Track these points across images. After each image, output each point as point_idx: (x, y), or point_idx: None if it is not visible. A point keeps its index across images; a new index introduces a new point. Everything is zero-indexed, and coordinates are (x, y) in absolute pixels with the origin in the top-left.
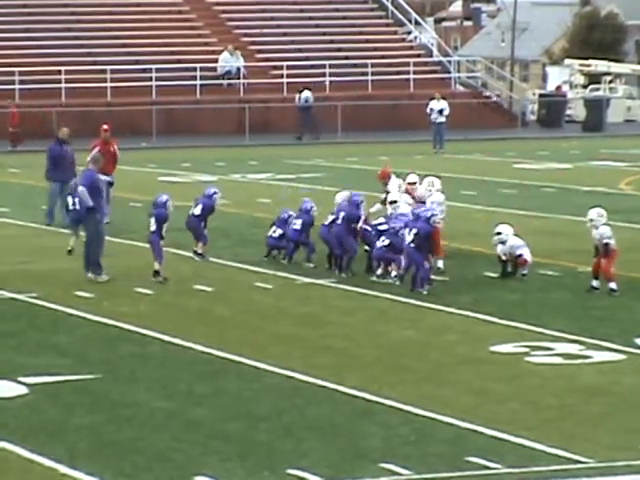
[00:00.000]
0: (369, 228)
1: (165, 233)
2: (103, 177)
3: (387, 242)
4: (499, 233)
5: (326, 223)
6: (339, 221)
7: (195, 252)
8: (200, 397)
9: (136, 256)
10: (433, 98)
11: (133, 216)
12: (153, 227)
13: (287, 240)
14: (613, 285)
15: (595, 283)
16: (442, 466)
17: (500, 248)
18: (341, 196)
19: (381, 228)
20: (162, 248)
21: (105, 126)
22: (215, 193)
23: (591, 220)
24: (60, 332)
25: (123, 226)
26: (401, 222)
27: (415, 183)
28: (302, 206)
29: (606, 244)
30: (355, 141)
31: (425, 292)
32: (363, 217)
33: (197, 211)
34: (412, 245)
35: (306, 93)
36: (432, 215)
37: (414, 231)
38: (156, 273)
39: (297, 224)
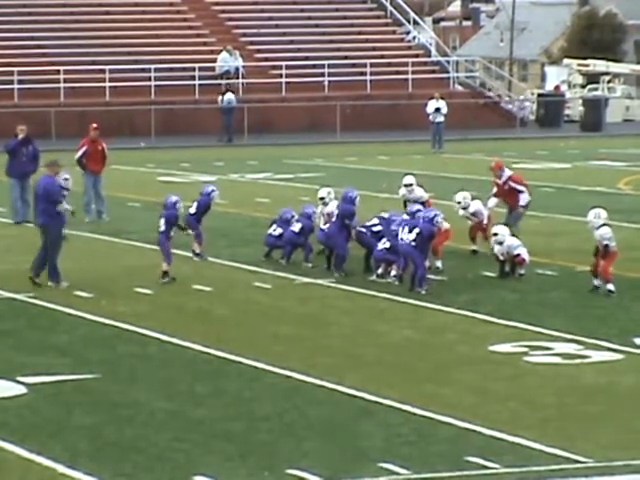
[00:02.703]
0: (363, 230)
1: (173, 233)
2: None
3: (388, 245)
4: (496, 234)
5: (324, 228)
6: (334, 218)
7: (194, 252)
8: (200, 397)
9: (135, 256)
10: (432, 98)
11: (132, 216)
12: (162, 228)
13: (284, 241)
14: (611, 286)
15: (596, 282)
16: (441, 466)
17: (497, 248)
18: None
19: (375, 229)
20: (170, 249)
21: (94, 124)
22: (213, 191)
23: (588, 222)
24: (59, 332)
25: (122, 226)
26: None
27: (412, 185)
28: (304, 211)
29: (606, 245)
30: (354, 141)
31: (423, 292)
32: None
33: (192, 209)
34: (413, 244)
35: (229, 95)
36: (435, 215)
37: (416, 230)
38: (164, 274)
39: (296, 228)
